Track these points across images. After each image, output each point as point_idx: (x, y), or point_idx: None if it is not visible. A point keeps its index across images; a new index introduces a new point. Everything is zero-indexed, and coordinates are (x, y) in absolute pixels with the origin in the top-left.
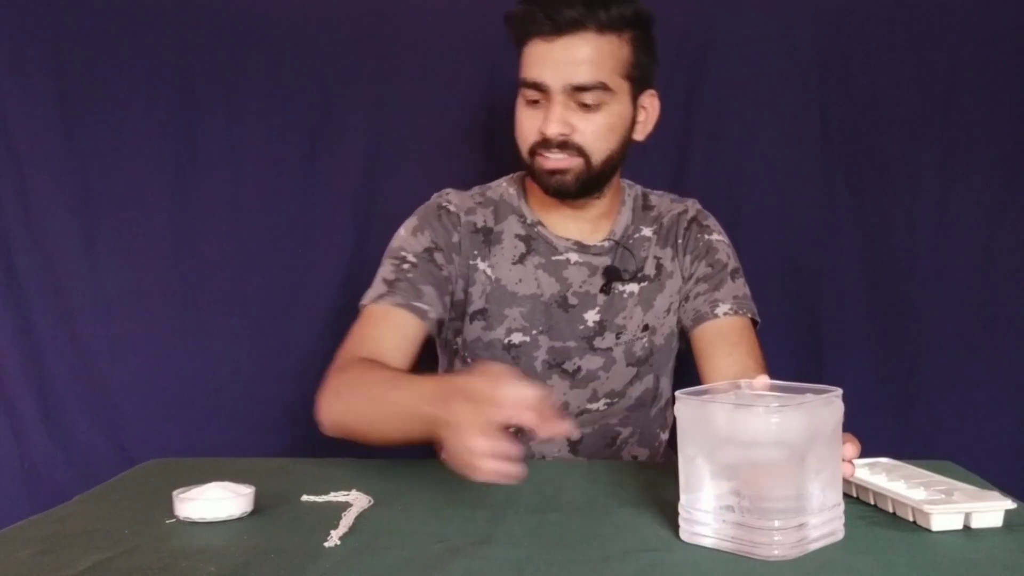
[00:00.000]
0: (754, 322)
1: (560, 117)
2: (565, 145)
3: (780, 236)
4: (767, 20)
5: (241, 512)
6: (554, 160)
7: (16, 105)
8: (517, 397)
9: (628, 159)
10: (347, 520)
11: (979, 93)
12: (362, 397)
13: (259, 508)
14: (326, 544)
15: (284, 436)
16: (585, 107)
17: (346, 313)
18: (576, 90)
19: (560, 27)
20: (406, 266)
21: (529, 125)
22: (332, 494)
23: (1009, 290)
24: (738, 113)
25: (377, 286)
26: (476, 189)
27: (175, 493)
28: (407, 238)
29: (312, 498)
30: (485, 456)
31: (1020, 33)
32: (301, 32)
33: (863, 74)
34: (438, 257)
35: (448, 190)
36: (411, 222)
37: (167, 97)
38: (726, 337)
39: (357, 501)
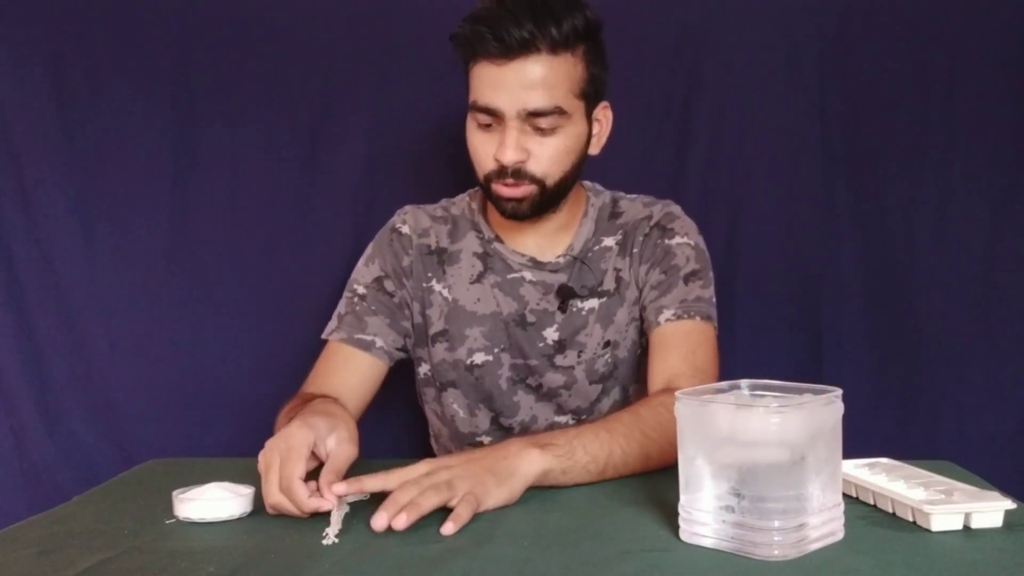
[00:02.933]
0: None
1: (516, 143)
2: (519, 173)
3: (780, 236)
4: (767, 21)
5: (241, 512)
6: (509, 189)
7: (16, 105)
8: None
9: (627, 163)
10: (338, 516)
11: (979, 93)
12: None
13: (259, 508)
14: (323, 542)
15: None
16: (540, 131)
17: None
18: (531, 115)
19: (510, 50)
20: (355, 299)
21: (484, 151)
22: None
23: (1009, 290)
24: (738, 114)
25: (332, 321)
26: (442, 202)
27: (175, 493)
28: (361, 269)
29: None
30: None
31: (1020, 33)
32: (301, 32)
33: (863, 74)
34: (388, 284)
35: (407, 208)
36: (368, 250)
37: (167, 98)
38: (664, 342)
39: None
